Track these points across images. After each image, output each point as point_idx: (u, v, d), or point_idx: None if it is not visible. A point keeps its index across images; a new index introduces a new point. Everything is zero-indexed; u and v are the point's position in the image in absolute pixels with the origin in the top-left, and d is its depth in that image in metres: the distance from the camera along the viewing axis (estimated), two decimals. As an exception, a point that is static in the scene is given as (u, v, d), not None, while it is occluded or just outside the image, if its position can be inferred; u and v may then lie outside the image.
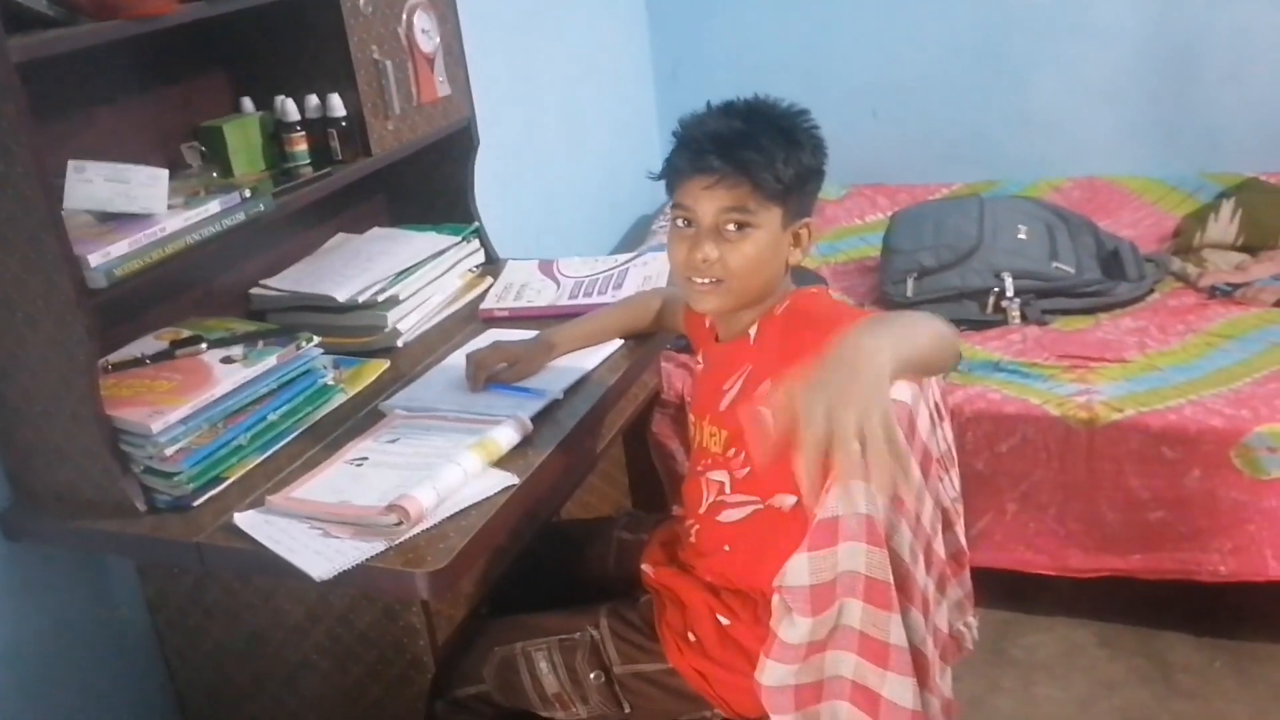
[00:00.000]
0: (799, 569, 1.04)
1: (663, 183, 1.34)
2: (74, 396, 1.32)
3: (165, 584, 1.49)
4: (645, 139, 3.36)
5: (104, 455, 1.34)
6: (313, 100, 1.73)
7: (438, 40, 1.89)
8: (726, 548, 1.36)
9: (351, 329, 1.78)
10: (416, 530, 1.26)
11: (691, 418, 1.46)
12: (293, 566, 1.22)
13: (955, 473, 1.34)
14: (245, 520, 1.31)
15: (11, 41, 1.18)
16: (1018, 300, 2.52)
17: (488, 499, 1.32)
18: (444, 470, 1.32)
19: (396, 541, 1.24)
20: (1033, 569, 2.19)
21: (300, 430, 1.53)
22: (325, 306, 1.76)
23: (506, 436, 1.41)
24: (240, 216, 1.48)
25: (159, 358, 1.50)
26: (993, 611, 2.22)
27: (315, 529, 1.28)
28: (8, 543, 1.44)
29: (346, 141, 1.74)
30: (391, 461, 1.40)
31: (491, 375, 1.59)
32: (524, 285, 1.95)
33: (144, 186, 1.40)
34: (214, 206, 1.45)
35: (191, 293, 1.73)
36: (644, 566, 1.49)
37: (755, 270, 1.29)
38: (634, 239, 3.11)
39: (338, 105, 1.72)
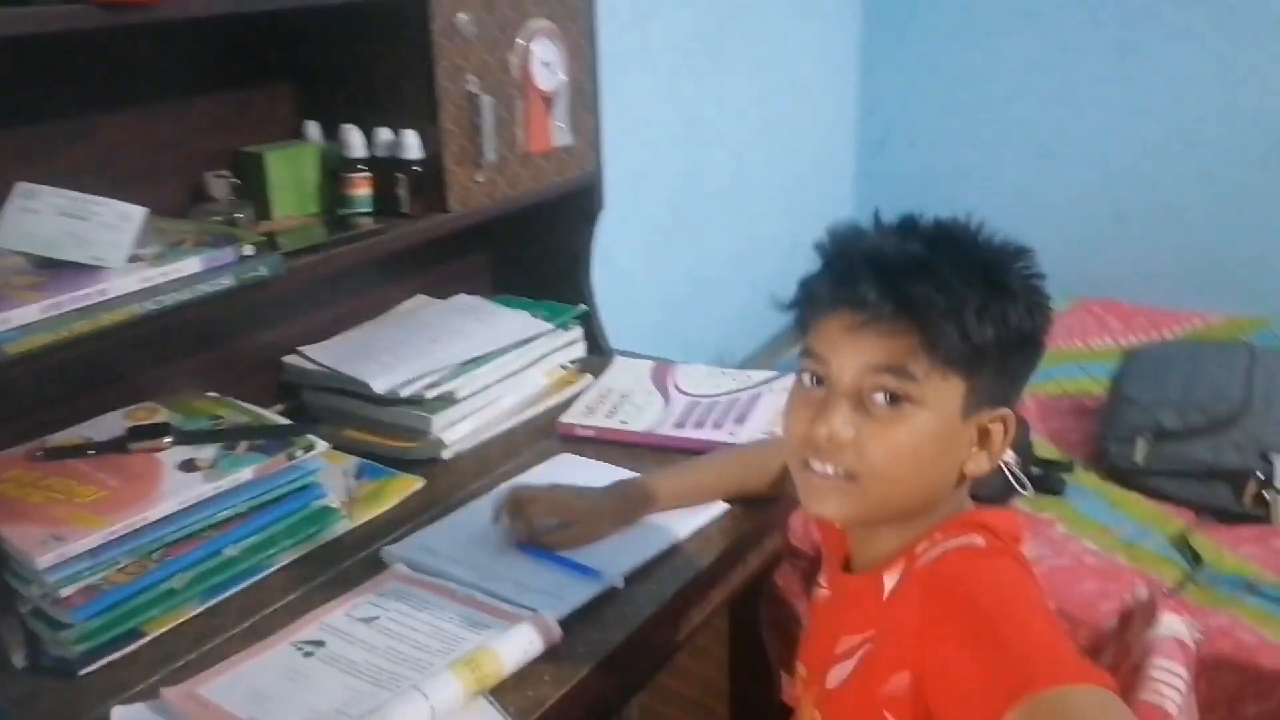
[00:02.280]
0: None
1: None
2: (-51, 500, 0.98)
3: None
4: (836, 217, 2.86)
5: (-22, 584, 0.99)
6: (384, 135, 1.36)
7: (563, 77, 1.49)
8: None
9: (390, 428, 1.39)
10: (335, 802, 0.83)
11: (800, 667, 0.98)
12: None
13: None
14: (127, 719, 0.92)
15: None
16: (1290, 493, 1.88)
17: (461, 755, 0.88)
18: (397, 707, 0.88)
19: (301, 816, 0.82)
20: None
21: (270, 570, 1.14)
22: (359, 394, 1.38)
23: (515, 650, 0.97)
24: (226, 282, 1.10)
25: (106, 448, 1.14)
26: None
27: (205, 760, 0.88)
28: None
29: (418, 191, 1.35)
30: (351, 658, 0.99)
31: (535, 531, 1.15)
32: (625, 396, 1.50)
33: (107, 228, 1.05)
34: (191, 265, 1.09)
35: (210, 351, 1.39)
36: None
37: (907, 470, 0.83)
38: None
39: (413, 145, 1.34)
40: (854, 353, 0.83)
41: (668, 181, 2.16)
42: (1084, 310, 2.67)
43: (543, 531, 1.15)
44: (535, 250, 1.70)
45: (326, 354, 1.45)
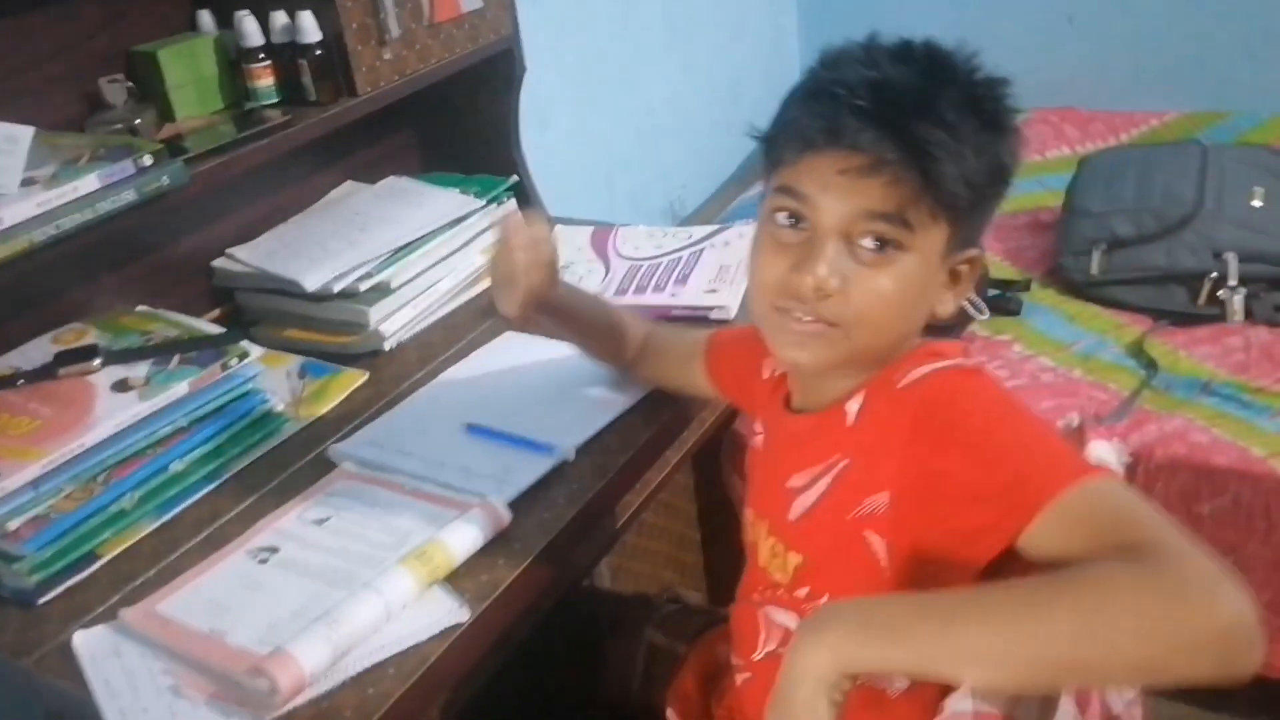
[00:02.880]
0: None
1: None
2: (-122, 449, 0.96)
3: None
4: (780, 52, 2.76)
5: (-74, 527, 0.99)
6: (280, 19, 1.29)
7: (463, -67, 1.40)
8: None
9: (328, 323, 1.37)
10: (298, 701, 0.86)
11: (748, 513, 0.99)
12: (121, 740, 0.84)
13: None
14: (88, 644, 0.94)
15: None
16: (1243, 291, 1.90)
17: (413, 646, 0.90)
18: (353, 605, 0.90)
19: (267, 718, 0.84)
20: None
21: (219, 481, 1.14)
22: (292, 292, 1.35)
23: (465, 540, 0.98)
24: (129, 196, 1.06)
25: (35, 376, 1.12)
26: (1175, 706, 1.70)
27: (168, 677, 0.89)
28: None
29: (322, 75, 1.30)
30: (305, 560, 1.00)
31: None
32: (565, 267, 1.47)
33: (-8, 153, 1.01)
34: (89, 183, 1.05)
35: (138, 262, 1.36)
36: (669, 713, 1.07)
37: (892, 317, 0.81)
38: (754, 174, 2.57)
39: (310, 27, 1.27)
40: (848, 196, 0.77)
41: (595, 30, 2.07)
42: (1040, 121, 2.63)
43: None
44: (460, 124, 1.64)
45: (255, 253, 1.42)
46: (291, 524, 1.06)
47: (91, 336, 1.20)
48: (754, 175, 2.44)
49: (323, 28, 1.28)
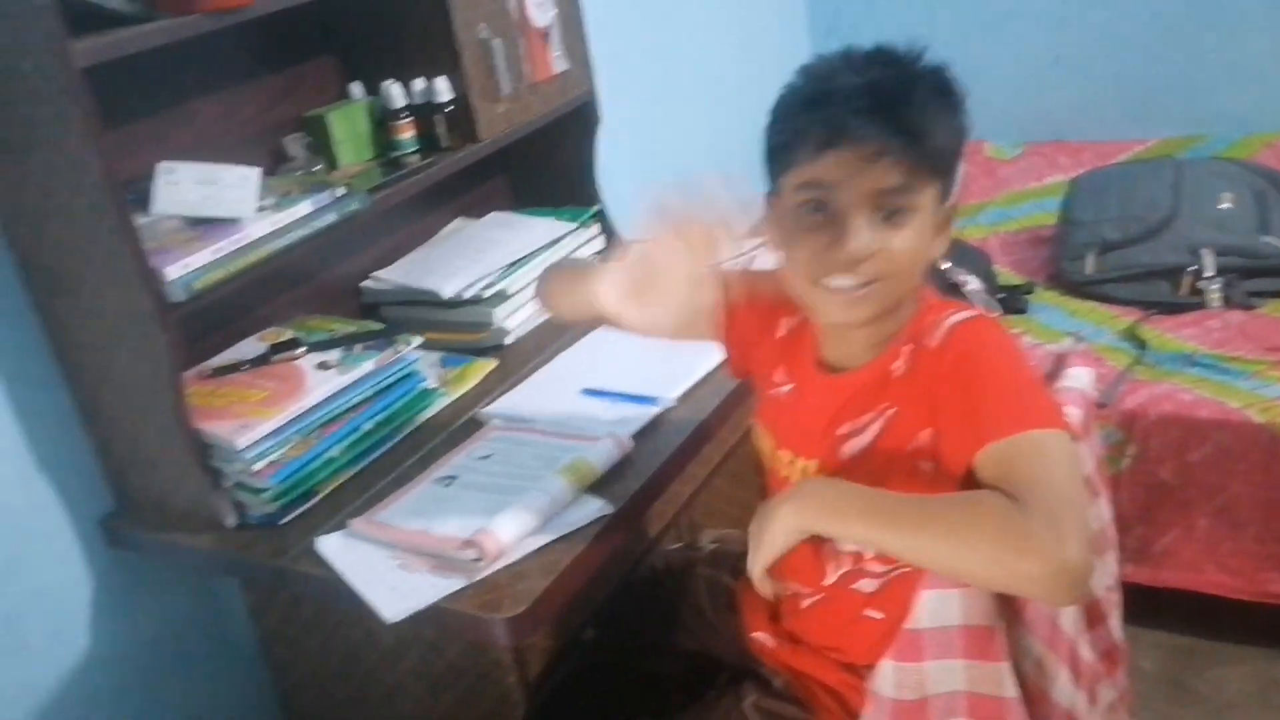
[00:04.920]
0: (885, 677, 0.89)
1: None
2: (161, 410, 1.29)
3: (265, 594, 1.46)
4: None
5: (193, 470, 1.30)
6: (419, 84, 1.64)
7: (553, 12, 1.76)
8: (872, 613, 1.09)
9: (458, 325, 1.70)
10: (497, 567, 1.16)
11: (782, 454, 1.16)
12: (366, 604, 1.15)
13: (1113, 554, 1.12)
14: (328, 546, 1.25)
15: (79, 44, 1.12)
16: (1219, 280, 2.19)
17: (578, 530, 1.21)
18: (529, 498, 1.21)
19: (475, 579, 1.15)
20: (1225, 593, 1.92)
21: (397, 439, 1.46)
22: (429, 302, 1.68)
23: (602, 457, 1.29)
24: (331, 218, 1.40)
25: (256, 363, 1.45)
26: (1174, 637, 1.96)
27: (395, 559, 1.20)
28: (110, 548, 1.43)
29: (453, 127, 1.64)
30: (480, 482, 1.31)
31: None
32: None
33: (233, 188, 1.34)
34: (304, 207, 1.38)
35: (305, 286, 1.69)
36: (757, 636, 1.24)
37: (914, 266, 1.02)
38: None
39: (443, 89, 1.62)
40: (863, 179, 0.96)
41: (643, 93, 2.43)
42: (1034, 153, 2.96)
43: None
44: (547, 166, 1.98)
45: (396, 274, 1.75)
46: (462, 460, 1.37)
47: (288, 335, 1.52)
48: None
49: (453, 89, 1.62)
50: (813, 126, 0.97)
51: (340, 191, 1.42)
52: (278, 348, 1.47)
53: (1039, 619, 0.92)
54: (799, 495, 1.00)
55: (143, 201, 1.32)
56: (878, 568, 1.07)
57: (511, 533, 1.17)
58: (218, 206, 1.33)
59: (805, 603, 1.17)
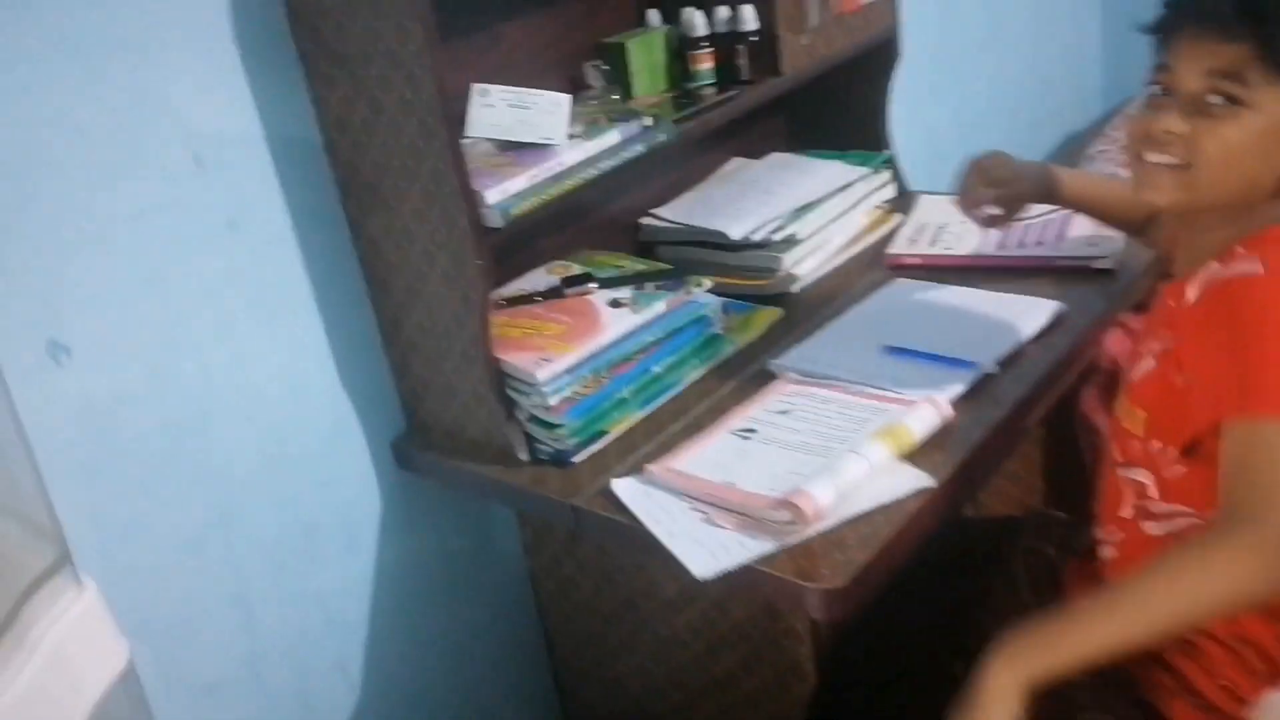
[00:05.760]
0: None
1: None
2: (465, 336, 1.27)
3: (541, 530, 1.44)
4: (1081, 39, 2.86)
5: (490, 399, 1.29)
6: (722, 12, 1.55)
7: (864, -63, 1.63)
8: None
9: (742, 269, 1.61)
10: (810, 532, 1.08)
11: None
12: (671, 554, 1.09)
13: None
14: (624, 489, 1.20)
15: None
16: None
17: (894, 502, 1.11)
18: (845, 462, 1.12)
19: (787, 542, 1.07)
20: None
21: (684, 385, 1.40)
22: (716, 243, 1.61)
23: (922, 424, 1.19)
24: (639, 148, 1.34)
25: (549, 295, 1.42)
26: None
27: (696, 511, 1.15)
28: (398, 469, 1.44)
29: (756, 59, 1.55)
30: (782, 438, 1.23)
31: (975, 199, 1.42)
32: (941, 227, 1.68)
33: (545, 114, 1.30)
34: (613, 137, 1.33)
35: (583, 221, 1.64)
36: None
37: (1233, 163, 0.98)
38: (1062, 163, 2.67)
39: (749, 17, 1.53)
40: (1194, 59, 0.97)
41: (925, 33, 2.26)
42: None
43: (982, 201, 1.40)
44: (833, 105, 1.86)
45: (677, 213, 1.69)
46: (759, 413, 1.29)
47: (575, 269, 1.49)
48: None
49: (759, 18, 1.52)
50: (1171, 11, 1.01)
51: (648, 122, 1.36)
52: (570, 281, 1.43)
53: None
54: (999, 654, 0.92)
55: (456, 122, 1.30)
56: (1165, 507, 1.06)
57: (828, 497, 1.08)
58: (530, 131, 1.29)
59: (1104, 552, 1.15)
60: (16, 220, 1.05)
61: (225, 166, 1.21)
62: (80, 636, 0.79)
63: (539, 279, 1.47)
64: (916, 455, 1.17)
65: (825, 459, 1.16)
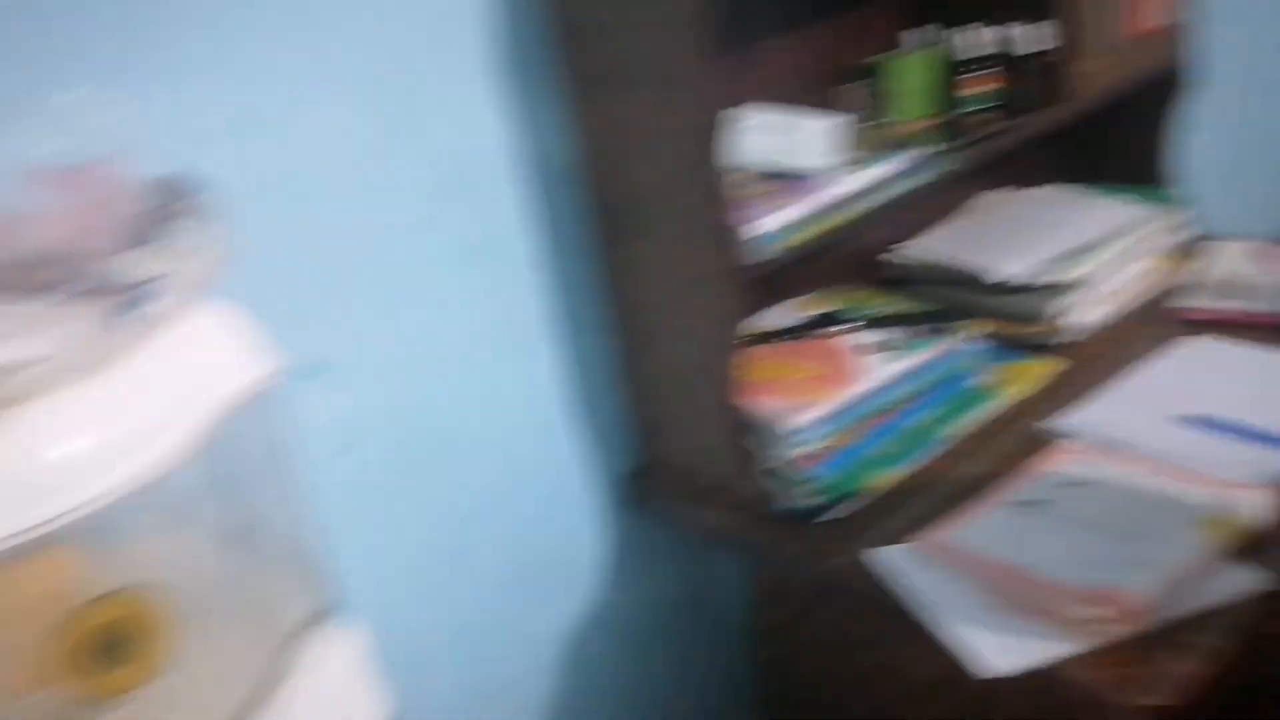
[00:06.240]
0: None
1: None
2: (713, 376, 1.17)
3: (773, 590, 1.33)
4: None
5: (733, 444, 1.18)
6: (998, 33, 1.40)
7: (1167, -51, 1.45)
8: None
9: (1007, 314, 1.45)
10: (1126, 633, 0.92)
11: None
12: (947, 642, 0.96)
13: None
14: (887, 559, 1.07)
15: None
16: None
17: (1227, 604, 0.94)
18: (1161, 552, 0.96)
19: (1096, 643, 0.92)
20: None
21: (947, 442, 1.25)
22: (975, 284, 1.45)
23: (1251, 511, 1.01)
24: (913, 182, 1.22)
25: (797, 333, 1.30)
26: None
27: (979, 595, 1.00)
28: (621, 510, 1.36)
29: (1037, 84, 1.39)
30: (1078, 515, 1.07)
31: None
32: (1243, 277, 1.47)
33: (811, 139, 1.20)
34: (888, 167, 1.21)
35: (822, 254, 1.53)
36: None
37: None
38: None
39: (1031, 39, 1.37)
40: None
41: (1232, 58, 2.02)
42: None
43: None
44: (1111, 137, 1.67)
45: (930, 248, 1.54)
46: (1044, 483, 1.14)
47: (826, 306, 1.37)
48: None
49: (1046, 38, 1.37)
50: None
51: (922, 152, 1.23)
52: (823, 319, 1.31)
53: None
54: None
55: (715, 146, 1.20)
56: None
57: (1150, 594, 0.92)
58: (795, 158, 1.19)
59: None
60: (285, 235, 1.02)
61: (479, 187, 1.16)
62: (346, 686, 0.72)
63: (782, 315, 1.36)
64: (1246, 549, 0.99)
65: (1135, 546, 1.00)
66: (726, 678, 1.51)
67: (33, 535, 0.57)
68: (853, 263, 1.55)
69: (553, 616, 1.34)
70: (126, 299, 0.59)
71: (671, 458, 1.29)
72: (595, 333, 1.28)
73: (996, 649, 0.93)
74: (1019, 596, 0.98)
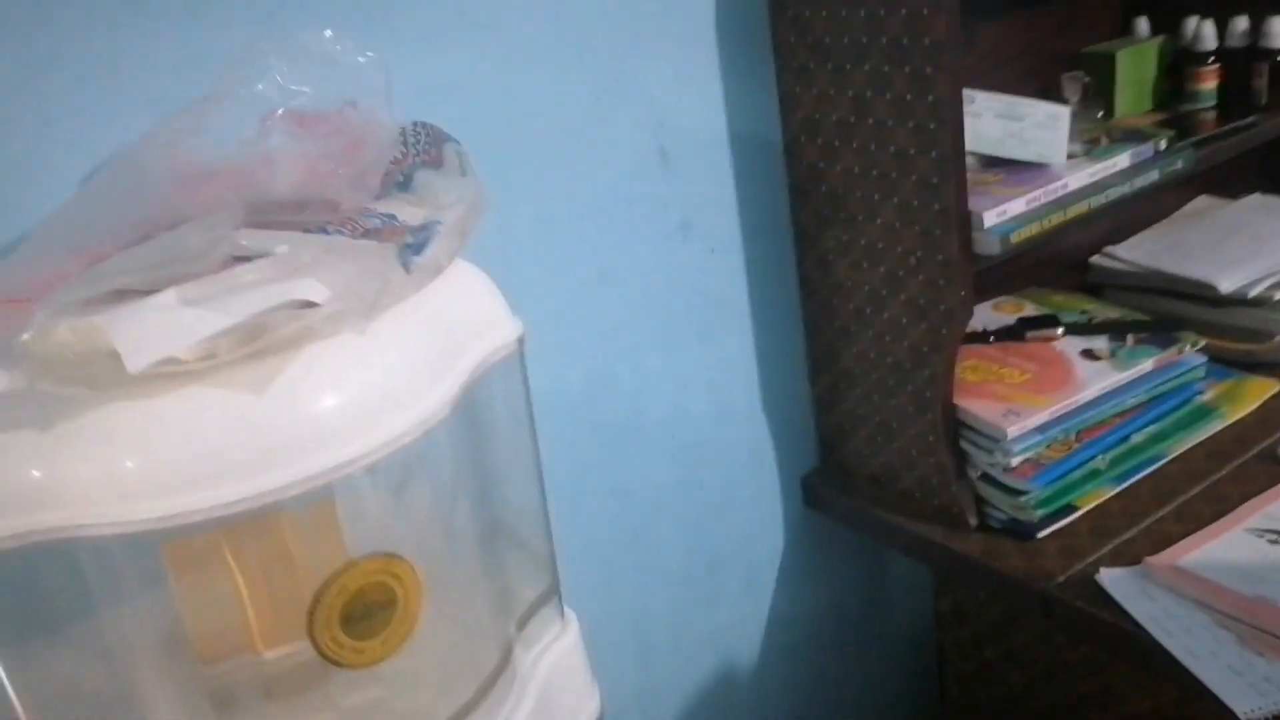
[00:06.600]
0: None
1: None
2: (921, 375, 1.11)
3: (965, 604, 1.26)
4: None
5: (941, 450, 1.11)
6: (1240, 24, 1.30)
7: None
8: None
9: (1226, 328, 1.35)
10: (1401, 684, 0.83)
11: None
12: (1192, 677, 0.88)
13: None
14: (1114, 584, 0.99)
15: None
16: None
17: None
18: None
19: (1365, 692, 0.83)
20: None
21: (1167, 460, 1.16)
22: (1188, 294, 1.35)
23: None
24: (1154, 176, 1.13)
25: (1006, 336, 1.23)
26: None
27: (1219, 627, 0.92)
28: (805, 509, 1.30)
29: (1266, 85, 1.28)
30: (1331, 550, 0.98)
31: None
32: None
33: (1040, 128, 1.12)
34: (1122, 160, 1.12)
35: (1023, 254, 1.44)
36: None
37: None
38: None
39: (1277, 32, 1.27)
40: None
41: None
42: None
43: None
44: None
45: (1140, 253, 1.44)
46: (1283, 512, 1.04)
47: (1031, 309, 1.29)
48: None
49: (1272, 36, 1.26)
50: None
51: (1162, 145, 1.14)
52: (1029, 322, 1.23)
53: None
54: None
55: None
56: None
57: None
58: (1023, 147, 1.11)
59: None
60: (499, 199, 1.00)
61: (685, 163, 1.12)
62: (564, 676, 0.69)
63: (985, 316, 1.29)
64: None
65: (1403, 587, 0.90)
66: (904, 692, 1.45)
67: (300, 490, 0.55)
68: (1052, 264, 1.47)
69: (730, 615, 1.29)
70: (412, 243, 0.57)
71: (863, 459, 1.23)
72: (789, 323, 1.23)
73: (1249, 689, 0.85)
74: (1260, 632, 0.89)
